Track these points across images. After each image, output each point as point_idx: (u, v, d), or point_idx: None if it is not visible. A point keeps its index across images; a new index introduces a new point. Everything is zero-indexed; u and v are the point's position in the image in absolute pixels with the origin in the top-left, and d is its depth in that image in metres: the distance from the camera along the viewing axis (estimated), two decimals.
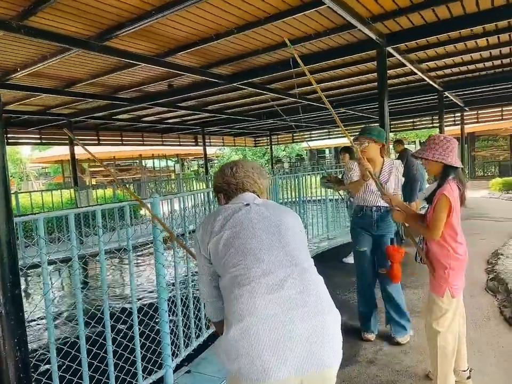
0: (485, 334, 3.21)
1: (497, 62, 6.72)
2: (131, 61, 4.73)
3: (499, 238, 6.08)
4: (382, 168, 3.00)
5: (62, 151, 16.36)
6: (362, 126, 13.03)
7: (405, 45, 5.06)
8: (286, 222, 1.46)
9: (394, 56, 5.16)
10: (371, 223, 3.10)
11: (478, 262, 5.10)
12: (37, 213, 1.96)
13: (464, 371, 2.53)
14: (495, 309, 3.68)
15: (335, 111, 8.93)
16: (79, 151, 11.75)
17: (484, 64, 6.74)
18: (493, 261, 4.95)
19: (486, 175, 17.85)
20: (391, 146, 8.51)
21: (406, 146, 7.70)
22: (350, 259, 5.61)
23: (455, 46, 5.42)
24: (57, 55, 4.49)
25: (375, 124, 13.04)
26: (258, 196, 1.58)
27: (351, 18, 3.73)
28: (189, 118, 11.03)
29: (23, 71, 5.04)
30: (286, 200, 7.08)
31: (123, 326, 2.59)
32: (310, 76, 2.45)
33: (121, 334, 2.54)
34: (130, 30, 3.84)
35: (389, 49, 4.78)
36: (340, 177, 5.80)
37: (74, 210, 2.19)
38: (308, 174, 8.16)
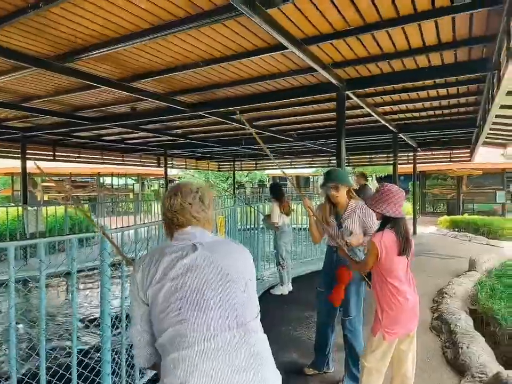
0: (428, 375, 3.30)
1: (446, 111, 7.24)
2: (93, 83, 4.65)
3: (445, 276, 6.37)
4: (345, 210, 3.09)
5: (12, 163, 15.54)
6: (322, 158, 13.45)
7: (363, 90, 5.35)
8: (235, 270, 1.36)
9: (353, 99, 5.43)
10: (332, 263, 3.18)
11: (425, 300, 5.29)
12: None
13: None
14: (438, 349, 3.81)
15: (298, 142, 9.11)
16: (31, 165, 11.22)
17: (434, 112, 7.25)
18: (438, 300, 5.16)
19: (435, 211, 18.82)
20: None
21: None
22: (276, 290, 5.72)
23: (408, 94, 5.80)
24: (15, 72, 4.33)
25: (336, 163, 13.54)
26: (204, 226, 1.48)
27: (313, 64, 3.90)
28: (152, 139, 10.91)
29: None
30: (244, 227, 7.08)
31: (60, 367, 2.43)
32: (256, 136, 2.60)
33: (57, 377, 2.38)
34: (94, 54, 3.79)
35: (348, 93, 5.03)
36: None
37: (16, 243, 2.07)
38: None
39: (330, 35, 3.54)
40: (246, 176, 28.46)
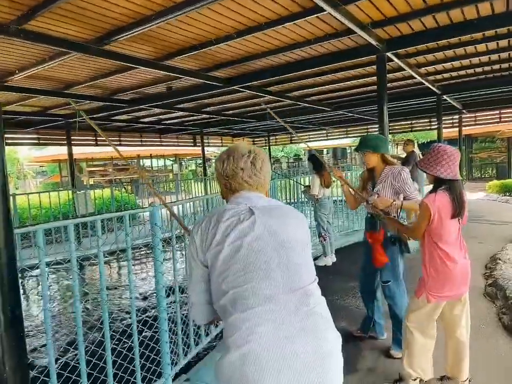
0: (483, 341, 3.22)
1: (496, 67, 6.73)
2: (130, 65, 4.71)
3: (497, 242, 6.11)
4: (379, 176, 3.04)
5: (59, 151, 16.32)
6: (360, 127, 13.09)
7: (405, 50, 5.06)
8: (292, 236, 1.36)
9: (394, 61, 5.15)
10: (370, 229, 3.13)
11: (476, 266, 5.11)
12: (36, 224, 1.95)
13: (463, 381, 2.55)
14: (493, 315, 3.70)
15: (335, 112, 8.91)
16: (76, 150, 11.71)
17: (483, 68, 6.76)
18: (491, 266, 4.97)
19: (483, 176, 17.92)
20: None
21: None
22: (320, 262, 5.72)
23: (454, 51, 5.42)
24: (56, 58, 4.47)
25: (375, 131, 13.12)
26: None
27: (351, 24, 3.72)
28: (188, 119, 11.01)
29: (22, 73, 5.01)
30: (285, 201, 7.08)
31: (122, 335, 2.58)
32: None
33: (120, 344, 2.53)
34: (130, 34, 3.82)
35: (389, 54, 4.77)
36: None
37: (74, 220, 2.18)
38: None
39: None
40: (281, 151, 28.26)
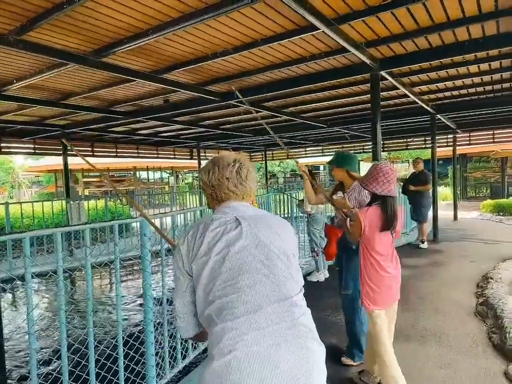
0: (473, 360, 3.20)
1: (488, 88, 6.86)
2: (127, 77, 4.76)
3: (489, 262, 6.12)
4: (347, 189, 3.26)
5: (55, 161, 16.31)
6: (355, 144, 13.18)
7: (398, 69, 5.16)
8: (278, 246, 1.36)
9: (388, 80, 5.25)
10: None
11: (468, 285, 5.12)
12: (24, 231, 1.94)
13: (376, 377, 2.77)
14: (483, 334, 3.68)
15: (328, 129, 8.98)
16: (72, 161, 11.71)
17: (475, 89, 6.88)
18: (482, 285, 4.97)
19: (477, 196, 18.03)
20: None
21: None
22: (313, 277, 5.74)
23: (447, 71, 5.53)
24: (54, 69, 4.50)
25: (370, 148, 13.20)
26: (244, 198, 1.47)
27: (345, 43, 3.79)
28: (184, 132, 11.07)
29: (19, 83, 5.04)
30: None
31: (106, 347, 2.55)
32: (253, 110, 2.52)
33: (105, 356, 2.49)
34: (127, 47, 3.87)
35: (382, 73, 4.86)
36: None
37: (62, 229, 2.18)
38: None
39: (362, 12, 3.41)
40: (278, 166, 28.39)
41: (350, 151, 3.53)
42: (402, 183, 8.34)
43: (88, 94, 5.92)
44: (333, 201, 3.20)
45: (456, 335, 3.69)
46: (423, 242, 7.64)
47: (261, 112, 7.43)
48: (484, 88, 6.84)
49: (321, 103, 7.38)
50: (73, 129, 8.84)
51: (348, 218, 2.75)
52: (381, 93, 5.19)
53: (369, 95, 5.26)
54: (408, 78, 5.81)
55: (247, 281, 1.27)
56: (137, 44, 3.79)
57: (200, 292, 1.33)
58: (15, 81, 5.06)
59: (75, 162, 16.09)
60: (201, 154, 14.01)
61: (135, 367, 2.66)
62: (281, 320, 1.24)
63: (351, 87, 6.12)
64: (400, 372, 2.60)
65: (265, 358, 1.17)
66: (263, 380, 1.14)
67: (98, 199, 10.64)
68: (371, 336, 2.71)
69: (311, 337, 1.28)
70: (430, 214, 7.97)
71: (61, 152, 9.68)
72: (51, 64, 4.49)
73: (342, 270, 3.20)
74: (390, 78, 5.16)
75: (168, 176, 26.28)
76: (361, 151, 14.99)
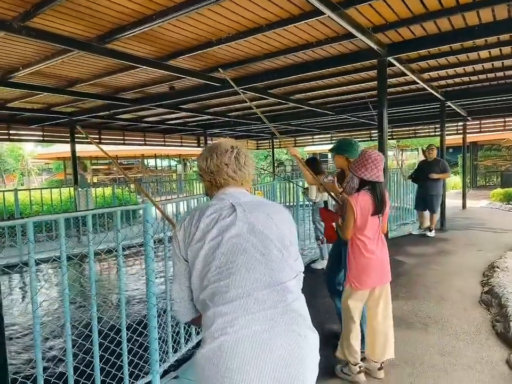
0: (475, 348, 3.20)
1: (500, 74, 6.70)
2: (132, 63, 4.74)
3: (496, 250, 6.07)
4: (347, 177, 3.28)
5: (64, 148, 16.43)
6: (363, 131, 13.03)
7: (407, 55, 5.06)
8: (274, 232, 1.37)
9: (396, 66, 5.15)
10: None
11: (474, 273, 5.10)
12: (26, 217, 1.97)
13: (376, 362, 2.79)
14: (487, 323, 3.67)
15: (336, 116, 8.88)
16: (80, 148, 11.79)
17: (486, 75, 6.73)
18: (488, 274, 4.94)
19: (488, 184, 17.79)
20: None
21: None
22: (317, 265, 5.79)
23: (457, 57, 5.41)
24: (59, 56, 4.51)
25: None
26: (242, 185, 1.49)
27: (351, 28, 3.72)
28: (191, 119, 11.06)
29: (26, 70, 5.06)
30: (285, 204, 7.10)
31: (110, 331, 2.59)
32: (245, 97, 2.57)
33: (108, 339, 2.55)
34: (132, 33, 3.85)
35: (390, 59, 4.77)
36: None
37: (64, 214, 2.20)
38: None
39: None
40: (286, 154, 28.26)
41: (353, 139, 3.58)
42: (411, 172, 8.25)
43: (93, 81, 5.91)
44: (322, 184, 3.32)
45: (460, 323, 3.69)
46: (430, 230, 7.56)
47: (267, 98, 7.37)
48: (495, 74, 6.68)
49: (328, 90, 7.29)
50: (80, 117, 8.88)
51: (340, 219, 2.83)
52: (388, 80, 5.11)
53: (376, 81, 5.19)
54: (417, 64, 5.70)
55: (240, 266, 1.28)
56: (140, 29, 3.76)
57: (195, 277, 1.35)
58: (21, 68, 5.07)
59: (83, 149, 16.21)
60: (208, 142, 14.00)
61: (138, 350, 2.71)
62: (273, 305, 1.24)
63: (358, 74, 6.02)
64: (358, 347, 2.76)
65: (256, 342, 1.17)
66: (253, 364, 1.15)
67: (107, 186, 10.72)
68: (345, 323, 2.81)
69: (303, 323, 1.28)
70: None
71: (69, 139, 9.73)
72: (56, 51, 4.48)
73: (337, 259, 3.30)
74: (398, 64, 5.06)
75: (176, 164, 26.36)
76: (369, 138, 14.84)
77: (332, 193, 3.25)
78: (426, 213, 7.73)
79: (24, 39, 3.99)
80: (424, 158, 7.87)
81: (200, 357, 1.23)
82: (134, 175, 21.13)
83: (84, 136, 10.15)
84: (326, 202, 3.56)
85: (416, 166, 8.19)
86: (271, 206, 1.46)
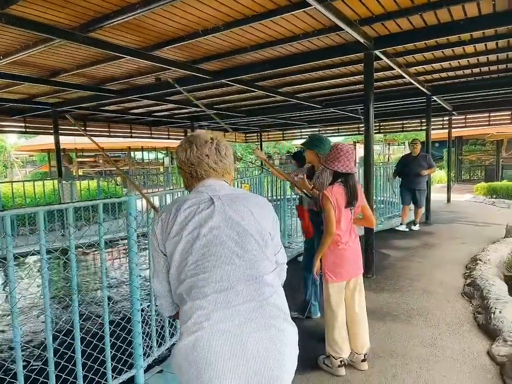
0: (457, 339, 3.25)
1: (485, 69, 6.77)
2: (115, 53, 4.64)
3: (479, 243, 6.18)
4: (317, 171, 3.49)
5: (48, 140, 16.12)
6: (351, 125, 13.07)
7: (393, 48, 5.07)
8: (253, 225, 1.34)
9: (382, 60, 5.16)
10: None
11: (457, 266, 5.18)
12: (4, 210, 1.91)
13: (359, 354, 2.83)
14: (469, 314, 3.74)
15: (323, 110, 8.85)
16: (64, 140, 11.55)
17: (472, 70, 6.79)
18: (471, 266, 5.02)
19: (472, 178, 18.07)
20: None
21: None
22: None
23: (442, 51, 5.45)
24: (41, 45, 4.38)
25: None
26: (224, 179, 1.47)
27: (338, 21, 3.71)
28: (178, 111, 10.94)
29: (6, 59, 4.91)
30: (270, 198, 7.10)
31: (93, 326, 2.56)
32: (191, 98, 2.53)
33: (90, 333, 2.51)
34: (115, 22, 3.76)
35: (377, 52, 4.77)
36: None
37: (44, 208, 2.15)
38: None
39: None
40: (274, 147, 28.26)
41: (323, 135, 3.90)
42: (394, 168, 8.20)
43: (77, 71, 5.78)
44: (293, 182, 3.45)
45: (443, 315, 3.75)
46: (415, 224, 7.63)
47: (254, 90, 7.32)
48: (480, 69, 6.75)
49: (316, 83, 7.28)
50: (64, 107, 8.70)
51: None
52: (375, 74, 5.11)
53: (363, 75, 5.19)
54: (404, 58, 5.72)
55: (218, 260, 1.27)
56: (124, 18, 3.68)
57: (173, 271, 1.33)
58: (1, 57, 4.93)
59: (68, 141, 15.91)
60: None
61: (121, 344, 2.68)
62: (251, 299, 1.23)
63: (346, 67, 6.02)
64: (345, 339, 2.79)
65: (232, 336, 1.16)
66: (229, 358, 1.14)
67: (92, 179, 10.56)
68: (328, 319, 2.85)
69: (282, 317, 1.27)
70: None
71: (53, 131, 9.54)
72: (38, 39, 4.36)
73: (311, 244, 3.49)
74: (384, 58, 5.07)
75: (163, 157, 26.12)
76: (357, 132, 14.92)
77: (304, 190, 3.35)
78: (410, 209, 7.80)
79: (3, 27, 3.87)
80: (408, 153, 7.88)
81: (177, 351, 1.22)
82: (120, 168, 20.88)
83: (71, 127, 9.96)
84: (301, 198, 3.62)
85: (399, 161, 8.15)
86: (251, 199, 1.44)
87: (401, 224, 7.75)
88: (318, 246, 3.05)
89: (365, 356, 2.84)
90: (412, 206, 7.78)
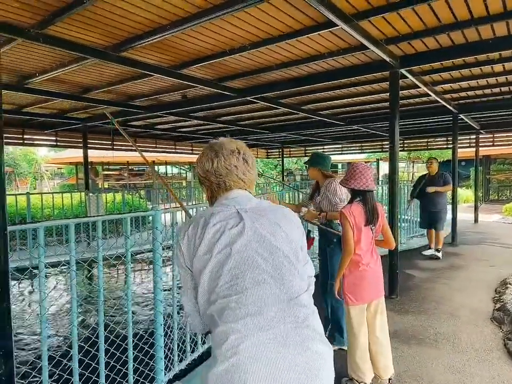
0: (486, 367, 3.12)
1: None
2: (145, 71, 4.81)
3: (509, 266, 5.94)
4: (321, 188, 3.51)
5: (76, 153, 16.64)
6: (374, 142, 12.95)
7: (419, 67, 5.05)
8: (284, 241, 1.29)
9: (408, 78, 5.13)
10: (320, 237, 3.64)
11: (485, 290, 4.99)
12: (37, 221, 1.98)
13: (382, 379, 2.75)
14: (499, 341, 3.58)
15: (347, 127, 8.77)
16: (92, 154, 11.90)
17: (500, 89, 6.67)
18: (500, 290, 4.83)
19: (500, 198, 17.53)
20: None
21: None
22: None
23: (470, 70, 5.38)
24: (75, 63, 4.60)
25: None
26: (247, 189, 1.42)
27: (364, 40, 3.73)
28: (202, 127, 11.14)
29: (42, 76, 5.17)
30: None
31: (116, 338, 2.59)
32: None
33: (114, 346, 2.54)
34: (146, 42, 3.91)
35: (402, 71, 4.76)
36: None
37: (75, 220, 2.21)
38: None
39: (382, 7, 3.35)
40: (296, 163, 28.26)
41: (324, 153, 4.02)
42: (413, 186, 7.49)
43: (107, 88, 6.00)
44: (303, 216, 3.50)
45: (471, 340, 3.61)
46: (438, 251, 6.78)
47: (277, 108, 7.39)
48: (509, 88, 6.62)
49: (340, 101, 7.30)
50: (93, 123, 9.00)
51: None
52: (400, 91, 5.09)
53: (388, 93, 5.17)
54: (430, 77, 5.67)
55: (251, 280, 1.21)
56: (155, 39, 3.83)
57: (201, 290, 1.27)
58: (37, 74, 5.18)
59: (95, 155, 16.38)
60: None
61: (144, 358, 2.70)
62: (286, 321, 1.18)
63: (370, 85, 6.02)
64: (367, 363, 2.72)
65: (269, 361, 1.11)
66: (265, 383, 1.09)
67: (117, 192, 10.81)
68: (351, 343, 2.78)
69: (318, 339, 1.22)
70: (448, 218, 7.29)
71: (82, 144, 9.87)
72: (72, 58, 4.57)
73: (325, 261, 3.47)
74: (410, 76, 5.05)
75: (186, 172, 26.50)
76: (380, 150, 14.77)
77: (315, 221, 3.45)
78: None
79: (41, 46, 4.08)
80: (426, 173, 7.24)
81: (212, 377, 1.15)
82: (144, 181, 21.27)
83: (99, 141, 10.23)
84: (309, 232, 3.67)
85: (416, 181, 7.52)
86: (278, 211, 1.39)
87: (429, 248, 7.09)
88: (330, 254, 3.02)
89: (389, 380, 2.75)
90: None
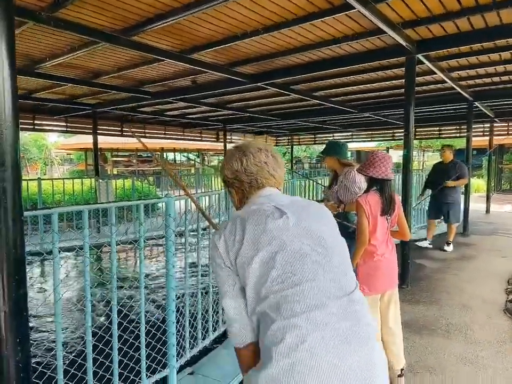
0: (500, 358, 3.09)
1: None
2: (156, 56, 4.74)
3: None
4: (339, 177, 3.46)
5: (86, 139, 16.70)
6: (386, 131, 12.77)
7: (436, 52, 4.91)
8: (328, 233, 1.27)
9: (424, 64, 5.00)
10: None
11: (498, 280, 4.94)
12: (52, 207, 1.97)
13: (395, 370, 2.68)
14: None
15: (358, 114, 8.69)
16: (101, 140, 11.92)
17: None
18: None
19: None
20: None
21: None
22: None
23: (488, 56, 5.22)
24: (85, 48, 4.55)
25: (400, 135, 12.80)
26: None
27: (380, 23, 3.62)
28: (211, 114, 11.06)
29: (52, 61, 5.13)
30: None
31: (129, 324, 2.60)
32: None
33: (127, 332, 2.55)
34: (157, 26, 3.84)
35: (419, 56, 4.62)
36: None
37: (88, 206, 2.20)
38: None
39: None
40: (304, 151, 28.11)
41: (341, 141, 3.88)
42: (427, 176, 7.30)
43: (117, 73, 5.95)
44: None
45: (483, 331, 3.57)
46: (448, 244, 6.56)
47: (288, 94, 7.28)
48: None
49: (352, 87, 7.16)
50: (103, 108, 8.98)
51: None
52: (416, 78, 4.95)
53: (402, 80, 5.05)
54: (446, 63, 5.52)
55: (307, 273, 1.16)
56: (166, 22, 3.76)
57: (250, 288, 1.21)
58: (48, 59, 5.14)
59: (104, 141, 16.42)
60: (227, 137, 13.99)
61: (156, 344, 2.71)
62: (345, 318, 1.13)
63: (384, 71, 5.88)
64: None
65: (332, 359, 1.06)
66: (326, 382, 1.05)
67: (126, 178, 10.85)
68: None
69: (374, 336, 1.19)
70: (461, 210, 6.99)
71: (91, 131, 9.87)
72: (82, 43, 4.52)
73: None
74: (427, 62, 4.91)
75: (195, 158, 26.49)
76: (392, 138, 14.57)
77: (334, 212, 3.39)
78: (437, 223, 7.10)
79: (51, 30, 4.03)
80: (440, 160, 6.98)
81: (264, 377, 1.08)
82: (153, 168, 21.32)
83: (108, 127, 10.20)
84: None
85: (431, 169, 7.20)
86: (312, 206, 1.36)
87: (425, 239, 6.88)
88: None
89: (401, 371, 2.73)
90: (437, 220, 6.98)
